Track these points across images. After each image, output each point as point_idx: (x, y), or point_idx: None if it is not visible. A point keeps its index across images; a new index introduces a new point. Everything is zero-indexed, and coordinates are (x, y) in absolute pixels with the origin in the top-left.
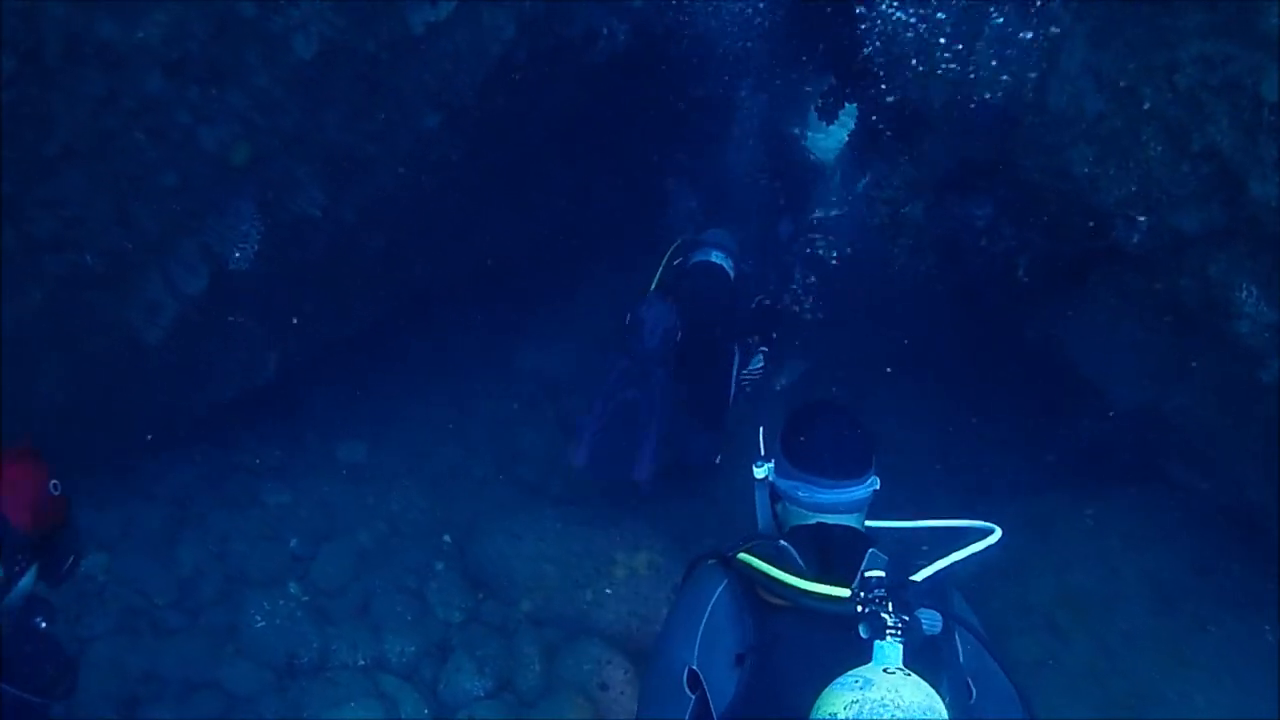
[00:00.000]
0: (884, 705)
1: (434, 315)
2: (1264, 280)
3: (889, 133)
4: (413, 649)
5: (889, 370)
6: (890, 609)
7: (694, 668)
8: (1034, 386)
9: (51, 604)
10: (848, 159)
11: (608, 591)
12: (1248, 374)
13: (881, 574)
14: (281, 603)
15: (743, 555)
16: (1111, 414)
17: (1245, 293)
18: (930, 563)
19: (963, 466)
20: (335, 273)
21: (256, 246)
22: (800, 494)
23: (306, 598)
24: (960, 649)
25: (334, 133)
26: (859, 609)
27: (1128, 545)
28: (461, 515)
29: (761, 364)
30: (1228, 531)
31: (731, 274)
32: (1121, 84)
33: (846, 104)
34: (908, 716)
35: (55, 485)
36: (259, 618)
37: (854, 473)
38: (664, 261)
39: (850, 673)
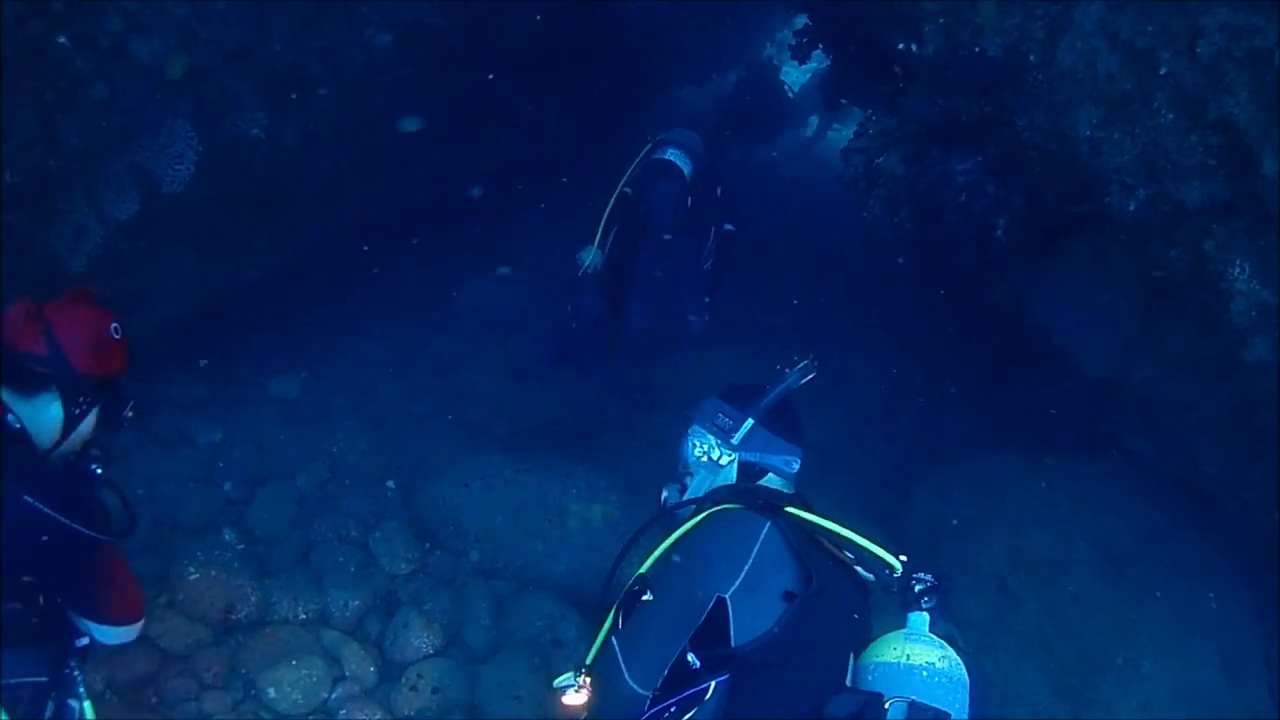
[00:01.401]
0: (959, 663)
1: (374, 246)
2: (1261, 258)
3: (864, 78)
4: (357, 602)
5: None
6: (928, 588)
7: (725, 596)
8: (994, 348)
9: (109, 450)
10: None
11: (559, 542)
12: (1222, 350)
13: (906, 557)
14: (216, 552)
15: (790, 508)
16: (1076, 380)
17: (1239, 269)
18: None
19: (912, 424)
20: (273, 198)
21: (192, 168)
22: (792, 468)
23: (242, 545)
24: None
25: (279, 47)
26: (909, 580)
27: (1079, 510)
28: (405, 458)
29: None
30: (1178, 501)
31: (688, 170)
32: (1139, 45)
33: (821, 44)
34: (958, 671)
35: (116, 328)
36: (192, 568)
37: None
38: (633, 165)
39: (910, 630)
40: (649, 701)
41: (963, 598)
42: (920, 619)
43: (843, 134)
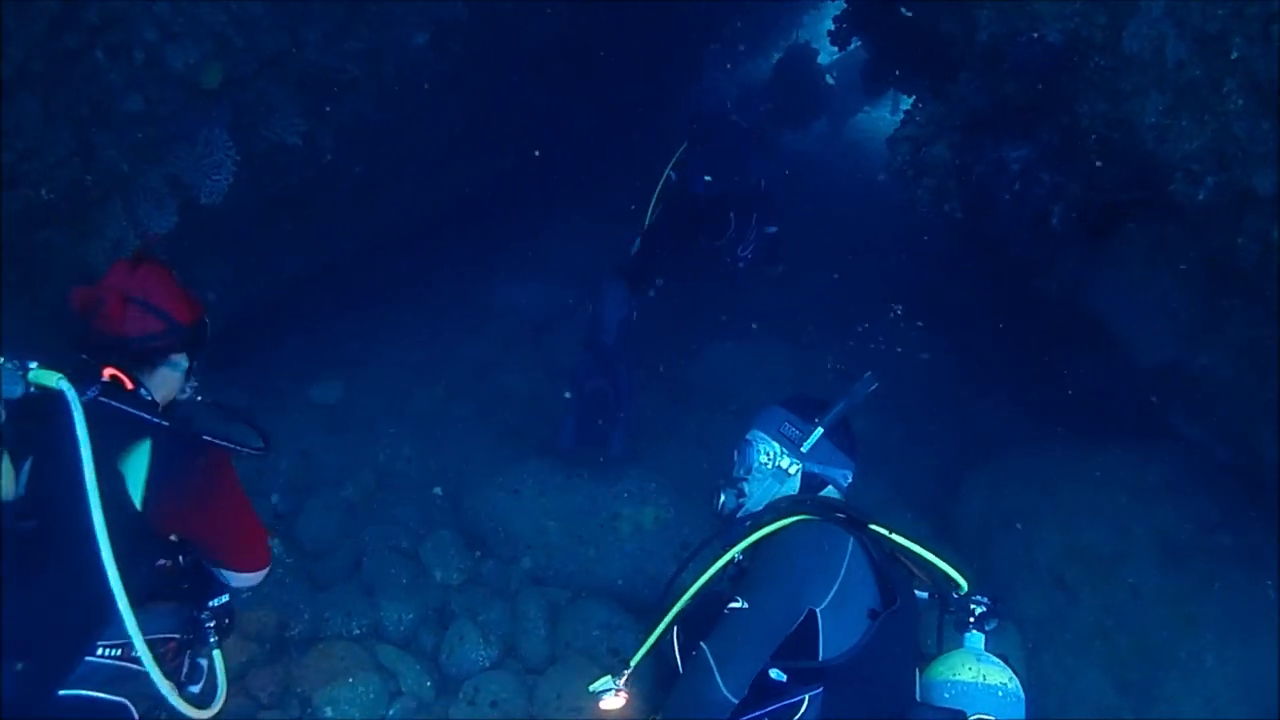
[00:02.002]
0: (1003, 674)
1: (408, 249)
2: None
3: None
4: (411, 615)
5: (896, 311)
6: (989, 610)
7: (817, 609)
8: (1042, 337)
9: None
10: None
11: (612, 548)
12: None
13: (970, 591)
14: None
15: (876, 526)
16: (1128, 368)
17: None
18: None
19: (958, 416)
20: (308, 203)
21: (230, 178)
22: (847, 480)
23: (291, 559)
24: None
25: (314, 52)
26: (968, 601)
27: (1135, 501)
28: (451, 464)
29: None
30: (1235, 490)
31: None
32: (1209, 30)
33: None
34: (1017, 688)
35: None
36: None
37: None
38: (676, 156)
39: (962, 650)
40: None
41: (1019, 594)
42: (978, 639)
43: (873, 116)
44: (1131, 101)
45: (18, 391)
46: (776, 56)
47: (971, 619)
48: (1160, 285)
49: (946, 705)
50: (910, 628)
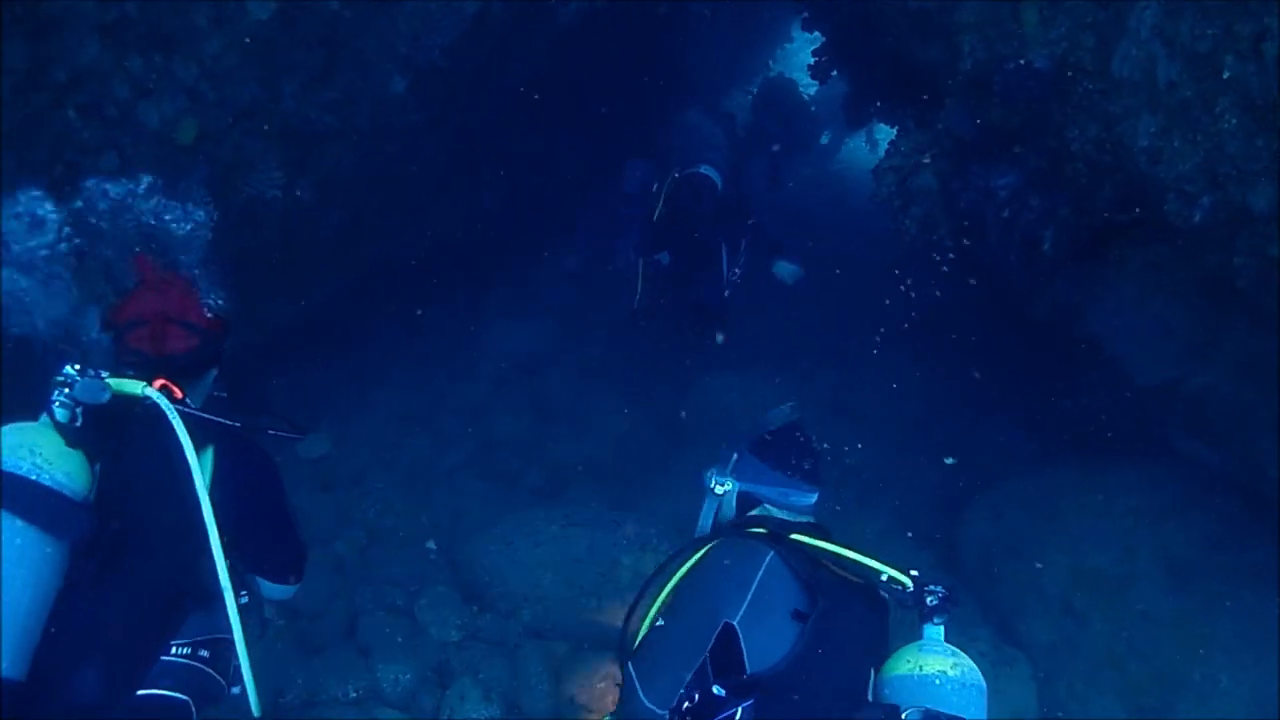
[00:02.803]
0: (964, 667)
1: (393, 294)
2: None
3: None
4: (409, 676)
5: (880, 334)
6: (941, 601)
7: (733, 624)
8: (1038, 361)
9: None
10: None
11: (613, 597)
12: None
13: (916, 573)
14: (258, 631)
15: (797, 535)
16: (1126, 388)
17: None
18: None
19: (957, 443)
20: (288, 252)
21: (209, 233)
22: (789, 499)
23: (283, 621)
24: None
25: (290, 103)
26: (922, 594)
27: (1140, 522)
28: (443, 516)
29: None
30: (1239, 506)
31: (719, 181)
32: (1200, 50)
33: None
34: (977, 679)
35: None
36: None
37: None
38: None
39: (924, 642)
40: None
41: (1028, 622)
42: (935, 630)
43: (850, 146)
44: (1123, 124)
45: (104, 398)
46: (754, 90)
47: (923, 612)
48: (1157, 305)
49: (885, 701)
50: (853, 629)
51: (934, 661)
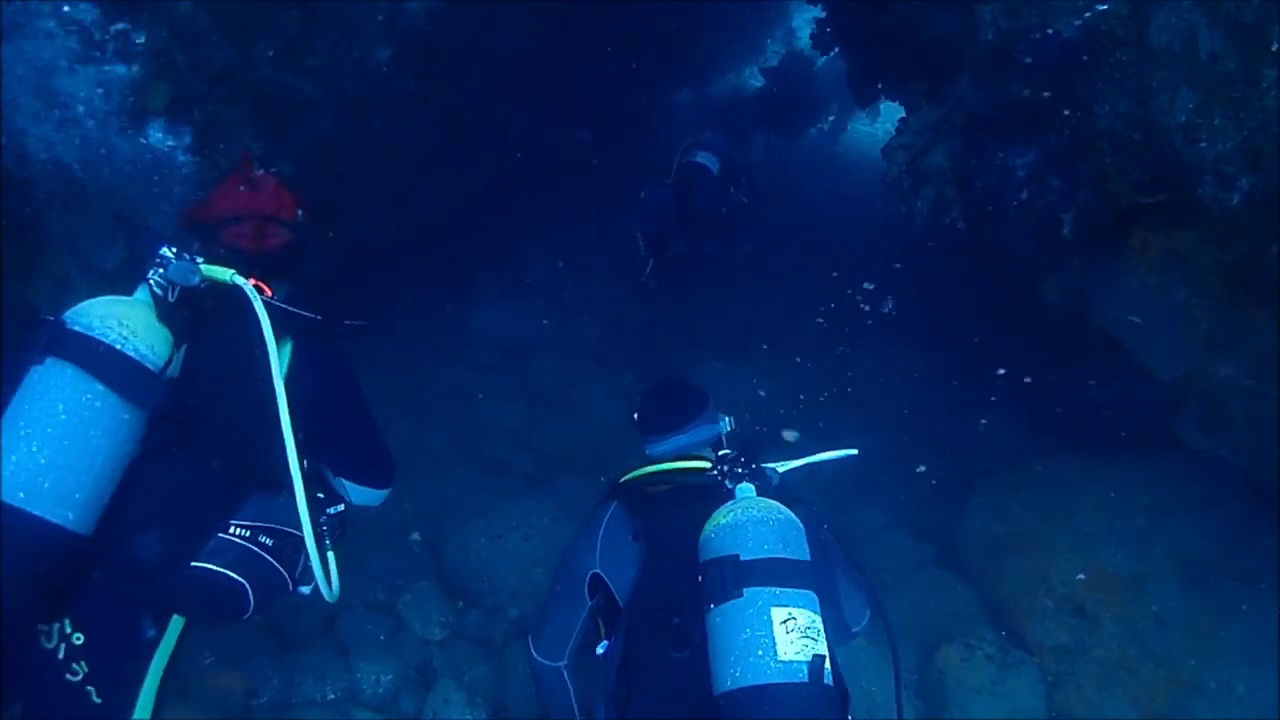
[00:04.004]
0: (750, 508)
1: (378, 273)
2: None
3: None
4: (390, 676)
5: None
6: (741, 463)
7: (597, 571)
8: (1045, 348)
9: None
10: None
11: None
12: None
13: (728, 451)
14: (229, 627)
15: (625, 477)
16: (1137, 379)
17: None
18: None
19: (959, 431)
20: None
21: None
22: (648, 449)
23: (259, 618)
24: (809, 519)
25: (267, 69)
26: (719, 470)
27: (1152, 520)
28: (428, 505)
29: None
30: (1255, 504)
31: (716, 169)
32: (1245, 20)
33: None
34: (766, 514)
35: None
36: (205, 649)
37: (676, 425)
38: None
39: (733, 502)
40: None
41: (1036, 624)
42: (746, 489)
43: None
44: (1158, 98)
45: (194, 281)
46: (764, 64)
47: (732, 476)
48: (1178, 293)
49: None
50: (685, 521)
51: (720, 515)
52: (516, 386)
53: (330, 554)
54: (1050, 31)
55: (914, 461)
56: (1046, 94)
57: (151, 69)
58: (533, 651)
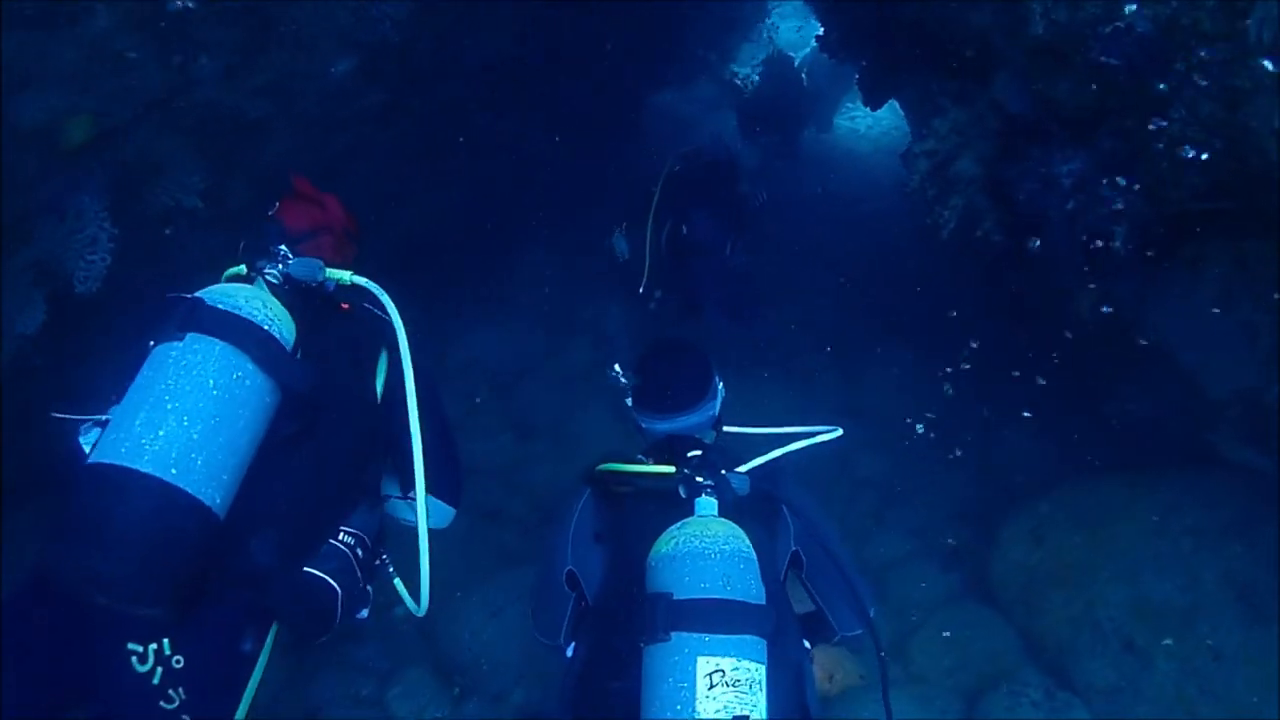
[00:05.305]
0: (693, 538)
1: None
2: None
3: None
4: None
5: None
6: (703, 474)
7: (571, 568)
8: (1079, 364)
9: None
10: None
11: None
12: None
13: (699, 453)
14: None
15: (600, 467)
16: (1188, 397)
17: None
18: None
19: (988, 452)
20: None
21: (108, 258)
22: (643, 424)
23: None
24: (791, 523)
25: (210, 90)
26: (679, 476)
27: (1201, 544)
28: (415, 574)
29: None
30: None
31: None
32: None
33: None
34: (709, 545)
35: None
36: None
37: (683, 405)
38: (663, 173)
39: (676, 523)
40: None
41: (1084, 662)
42: (706, 505)
43: (858, 121)
44: (1255, 100)
45: (319, 278)
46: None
47: (692, 488)
48: (1241, 307)
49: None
50: (644, 526)
51: (663, 543)
52: (504, 419)
53: (398, 580)
54: (1121, 25)
55: (936, 484)
56: (1108, 95)
57: (70, 96)
58: (535, 628)
